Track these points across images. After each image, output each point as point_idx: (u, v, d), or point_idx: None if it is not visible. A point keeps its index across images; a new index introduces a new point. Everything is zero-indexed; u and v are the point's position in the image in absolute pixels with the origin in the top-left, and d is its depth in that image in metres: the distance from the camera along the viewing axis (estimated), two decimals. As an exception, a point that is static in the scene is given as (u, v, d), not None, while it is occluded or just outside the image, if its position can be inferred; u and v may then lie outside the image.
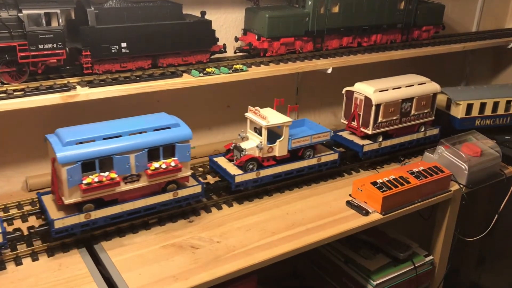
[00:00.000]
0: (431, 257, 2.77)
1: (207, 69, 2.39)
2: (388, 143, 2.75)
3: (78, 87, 2.10)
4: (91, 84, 2.12)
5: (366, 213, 2.28)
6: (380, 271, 2.60)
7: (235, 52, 2.70)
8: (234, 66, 2.47)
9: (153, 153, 2.03)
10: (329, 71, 2.76)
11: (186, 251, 1.97)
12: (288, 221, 2.20)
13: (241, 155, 2.32)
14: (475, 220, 3.26)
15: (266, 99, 2.59)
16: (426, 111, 2.85)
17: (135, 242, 2.01)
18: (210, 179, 2.53)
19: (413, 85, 2.80)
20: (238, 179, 2.28)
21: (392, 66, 3.56)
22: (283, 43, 2.65)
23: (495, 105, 3.09)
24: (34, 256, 1.88)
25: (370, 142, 2.70)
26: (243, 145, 2.37)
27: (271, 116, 2.36)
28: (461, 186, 2.61)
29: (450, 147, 2.68)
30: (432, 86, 2.87)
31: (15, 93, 1.96)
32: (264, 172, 2.35)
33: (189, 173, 2.17)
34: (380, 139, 2.73)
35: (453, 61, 3.99)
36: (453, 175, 2.59)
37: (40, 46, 1.97)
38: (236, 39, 2.72)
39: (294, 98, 3.21)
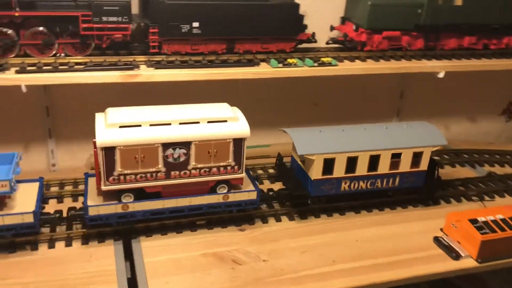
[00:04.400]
0: (542, 321, 2.20)
1: (288, 60, 2.09)
2: (144, 206, 1.80)
3: (143, 66, 1.94)
4: (157, 65, 1.95)
5: (457, 256, 1.83)
6: (470, 327, 2.12)
7: (327, 43, 2.36)
8: (322, 59, 2.14)
9: None
10: (441, 75, 2.29)
11: (226, 264, 1.72)
12: (355, 250, 1.84)
13: None
14: None
15: (361, 100, 2.21)
16: (223, 164, 1.85)
17: (176, 243, 1.81)
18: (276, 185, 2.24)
19: (197, 122, 1.81)
20: None
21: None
22: (386, 37, 2.25)
23: (374, 161, 2.01)
24: (68, 242, 1.78)
25: (106, 202, 1.78)
26: None
27: None
28: None
29: None
30: (235, 127, 1.83)
31: (75, 67, 1.86)
32: None
33: None
34: (130, 199, 1.80)
35: None
36: None
37: (104, 19, 1.84)
38: (332, 28, 2.37)
39: (397, 102, 2.77)
